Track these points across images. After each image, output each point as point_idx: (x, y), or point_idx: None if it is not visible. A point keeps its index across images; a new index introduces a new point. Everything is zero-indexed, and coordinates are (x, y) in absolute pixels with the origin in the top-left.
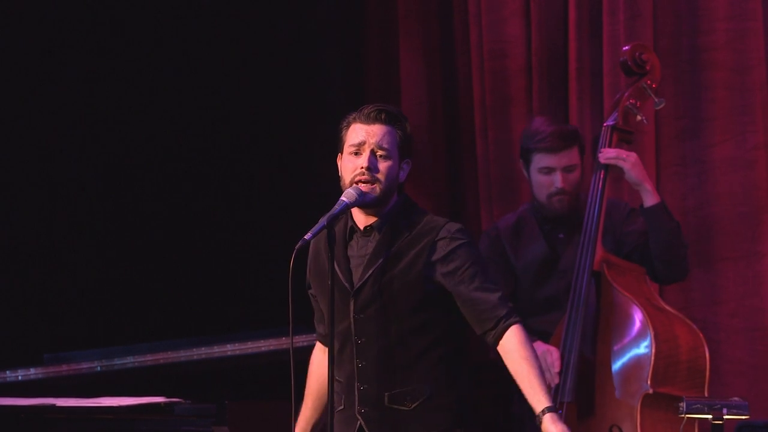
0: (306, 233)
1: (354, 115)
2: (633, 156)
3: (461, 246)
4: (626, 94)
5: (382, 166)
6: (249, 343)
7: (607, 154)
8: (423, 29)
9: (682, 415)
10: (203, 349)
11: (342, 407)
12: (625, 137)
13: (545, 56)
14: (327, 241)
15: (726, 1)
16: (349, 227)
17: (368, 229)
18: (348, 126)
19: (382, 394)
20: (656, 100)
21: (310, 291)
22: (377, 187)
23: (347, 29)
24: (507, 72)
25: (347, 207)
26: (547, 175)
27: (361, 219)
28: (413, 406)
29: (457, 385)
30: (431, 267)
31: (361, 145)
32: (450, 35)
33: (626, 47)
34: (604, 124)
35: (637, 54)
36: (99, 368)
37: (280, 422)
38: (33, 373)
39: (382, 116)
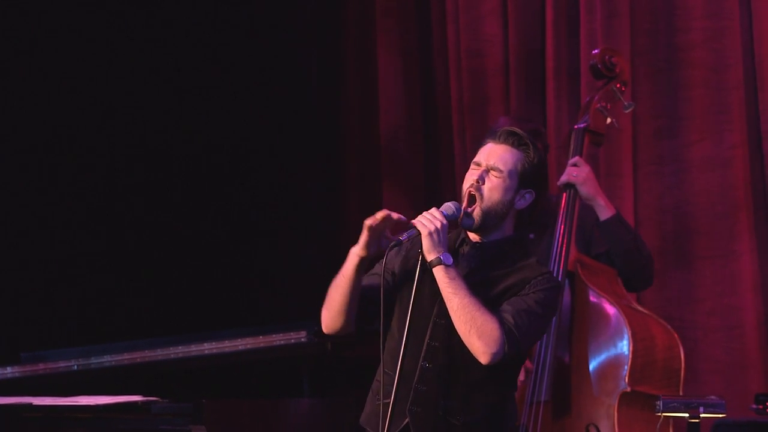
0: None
1: (490, 133)
2: (584, 172)
3: (543, 287)
4: (596, 97)
5: (490, 184)
6: (226, 342)
7: (564, 173)
8: (400, 28)
9: (659, 414)
10: (180, 348)
11: (389, 401)
12: (595, 140)
13: (522, 55)
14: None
15: None
16: (461, 238)
17: (478, 245)
18: (482, 144)
19: (439, 400)
20: (625, 103)
21: (385, 265)
22: (477, 207)
23: (324, 28)
24: (484, 71)
25: (446, 218)
26: None
27: (471, 234)
28: (462, 422)
29: (503, 415)
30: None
31: (479, 163)
32: (427, 34)
33: (595, 51)
34: (575, 127)
35: (606, 57)
36: (76, 367)
37: (257, 421)
38: (9, 371)
39: (511, 139)
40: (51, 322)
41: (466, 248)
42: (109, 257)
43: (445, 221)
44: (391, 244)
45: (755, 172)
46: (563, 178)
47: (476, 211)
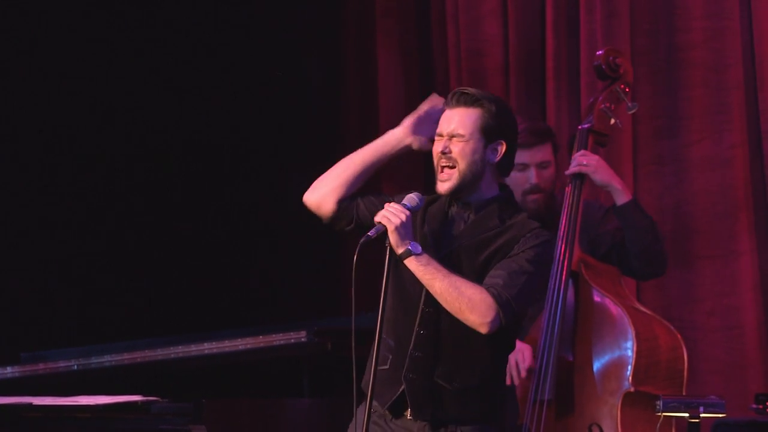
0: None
1: (445, 100)
2: (594, 160)
3: (533, 243)
4: (600, 98)
5: (458, 148)
6: (226, 341)
7: (571, 165)
8: (400, 28)
9: (659, 414)
10: (180, 347)
11: (387, 367)
12: (600, 140)
13: (522, 55)
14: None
15: None
16: (447, 201)
17: (466, 202)
18: (443, 113)
19: (434, 366)
20: (629, 104)
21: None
22: (455, 173)
23: (325, 28)
24: (484, 71)
25: (409, 210)
26: (522, 171)
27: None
28: (457, 387)
29: (498, 380)
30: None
31: (441, 134)
32: (427, 34)
33: (600, 51)
34: (579, 127)
35: (610, 58)
36: (76, 367)
37: (257, 421)
38: (10, 371)
39: (463, 99)
40: (51, 322)
41: (454, 208)
42: (109, 257)
43: (408, 213)
44: (361, 241)
45: (755, 172)
46: (572, 169)
47: (452, 180)
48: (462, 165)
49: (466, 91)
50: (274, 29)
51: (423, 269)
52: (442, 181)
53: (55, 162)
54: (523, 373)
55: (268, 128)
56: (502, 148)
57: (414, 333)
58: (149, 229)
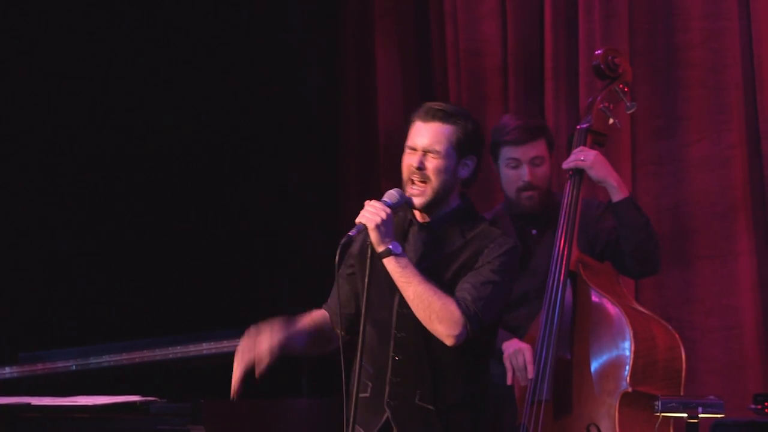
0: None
1: (415, 113)
2: (592, 155)
3: (497, 254)
4: (599, 98)
5: (432, 165)
6: (224, 342)
7: (568, 160)
8: (399, 28)
9: (658, 414)
10: (179, 348)
11: (368, 395)
12: (598, 139)
13: (521, 55)
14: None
15: None
16: (408, 219)
17: (426, 225)
18: (411, 123)
19: (414, 390)
20: (628, 104)
21: (342, 272)
22: (428, 189)
23: (324, 28)
24: (483, 71)
25: (390, 207)
26: (515, 168)
27: (418, 213)
28: (441, 407)
29: (481, 393)
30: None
31: (414, 147)
32: (426, 34)
33: (599, 51)
34: (578, 127)
35: (609, 57)
36: (74, 367)
37: (257, 421)
38: (8, 371)
39: (439, 114)
40: (50, 322)
41: (415, 229)
42: (109, 257)
43: (389, 211)
44: (342, 241)
45: (754, 172)
46: (569, 164)
47: (427, 194)
48: (435, 182)
49: (440, 106)
50: (274, 29)
51: (401, 271)
52: (413, 195)
53: (55, 162)
54: (530, 374)
55: (268, 128)
56: (474, 164)
57: (390, 359)
58: (149, 229)
